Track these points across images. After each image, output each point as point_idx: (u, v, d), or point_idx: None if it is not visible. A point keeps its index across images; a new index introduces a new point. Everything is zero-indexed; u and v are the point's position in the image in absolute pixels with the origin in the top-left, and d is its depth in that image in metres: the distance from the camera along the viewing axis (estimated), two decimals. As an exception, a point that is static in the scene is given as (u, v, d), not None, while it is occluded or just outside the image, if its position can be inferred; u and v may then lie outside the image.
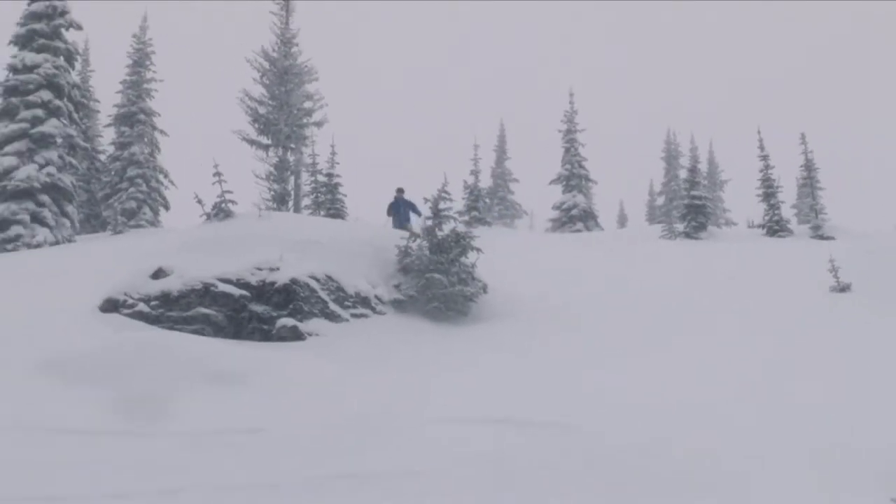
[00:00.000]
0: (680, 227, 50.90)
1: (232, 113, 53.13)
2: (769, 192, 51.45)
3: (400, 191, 30.91)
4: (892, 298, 31.66)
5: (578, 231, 57.73)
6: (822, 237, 47.58)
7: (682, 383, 23.00)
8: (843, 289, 34.01)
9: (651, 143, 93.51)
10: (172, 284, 30.05)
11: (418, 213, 31.94)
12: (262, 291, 30.24)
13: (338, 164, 58.43)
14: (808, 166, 55.25)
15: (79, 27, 52.16)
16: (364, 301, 31.36)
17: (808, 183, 55.08)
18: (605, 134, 68.92)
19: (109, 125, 57.59)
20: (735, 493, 15.20)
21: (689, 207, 51.15)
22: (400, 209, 31.80)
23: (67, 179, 47.79)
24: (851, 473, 15.59)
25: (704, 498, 14.96)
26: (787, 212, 52.46)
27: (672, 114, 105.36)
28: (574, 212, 59.82)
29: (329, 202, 55.05)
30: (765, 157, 53.21)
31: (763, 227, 51.27)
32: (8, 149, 46.47)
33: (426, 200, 33.58)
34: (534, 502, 14.55)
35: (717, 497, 14.97)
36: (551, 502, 14.37)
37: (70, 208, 47.92)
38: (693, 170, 56.10)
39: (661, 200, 72.59)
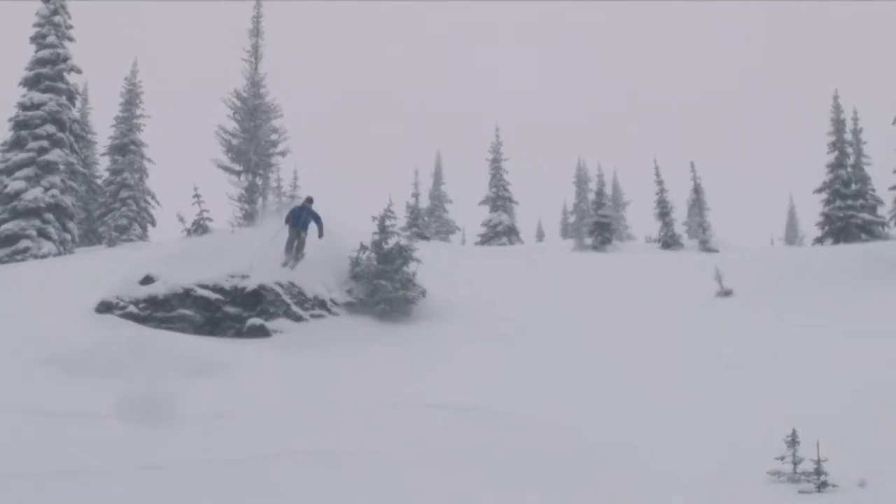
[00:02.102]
0: (589, 240, 51.20)
1: (209, 143, 52.88)
2: (664, 212, 51.86)
3: (309, 200, 29.53)
4: (765, 300, 32.19)
5: (503, 244, 57.93)
6: (708, 250, 47.93)
7: (584, 374, 23.41)
8: (727, 293, 34.18)
9: (564, 167, 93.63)
10: (158, 289, 30.13)
11: (319, 226, 29.86)
12: (235, 295, 30.26)
13: (299, 186, 58.76)
14: (697, 189, 55.92)
15: (79, 71, 52.05)
16: (321, 304, 31.45)
17: (697, 203, 55.58)
18: (524, 159, 69.02)
19: (105, 154, 57.35)
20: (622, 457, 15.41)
21: (597, 224, 51.47)
22: (301, 216, 29.65)
23: (69, 200, 47.64)
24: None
25: (579, 456, 15.56)
26: (679, 228, 53.11)
27: (580, 135, 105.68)
28: (499, 228, 60.19)
29: None
30: (660, 182, 53.71)
31: (659, 241, 51.70)
32: (18, 174, 46.28)
33: (374, 219, 33.63)
34: (460, 473, 14.69)
35: (593, 458, 15.37)
36: (472, 473, 14.50)
37: (71, 225, 47.78)
38: (600, 192, 56.57)
39: (572, 218, 72.98)
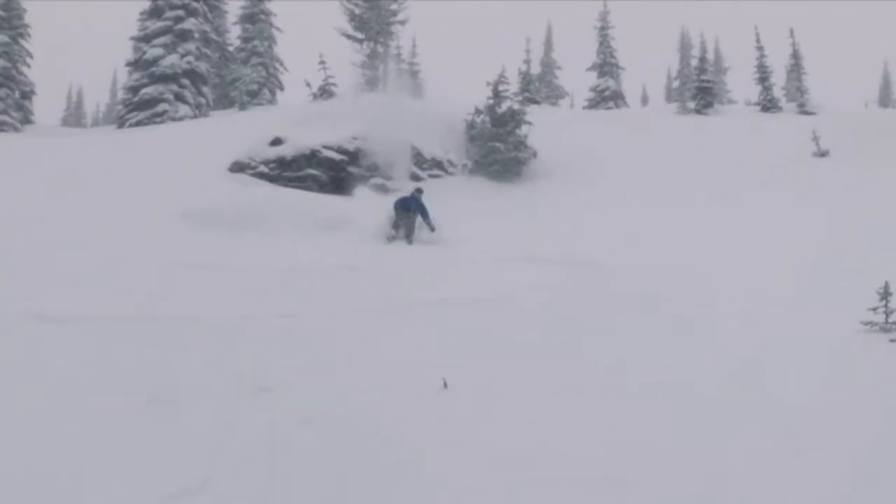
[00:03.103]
0: (691, 104, 50.31)
1: (334, 13, 52.71)
2: (763, 77, 50.60)
3: (419, 190, 25.58)
4: (859, 160, 31.19)
5: (610, 108, 57.06)
6: (806, 112, 46.81)
7: (680, 224, 23.31)
8: (823, 154, 33.37)
9: (668, 34, 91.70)
10: (286, 150, 30.18)
11: (426, 219, 24.42)
12: (357, 156, 30.23)
13: (417, 54, 58.27)
14: (795, 55, 54.34)
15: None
16: (439, 164, 31.40)
17: (795, 68, 54.14)
18: (630, 28, 67.83)
19: (235, 23, 57.02)
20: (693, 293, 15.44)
21: (699, 89, 50.39)
22: (410, 207, 24.53)
23: (203, 66, 47.51)
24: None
25: (670, 293, 15.57)
26: (777, 92, 51.67)
27: (684, 4, 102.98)
28: (606, 93, 59.31)
29: (411, 85, 54.72)
30: (760, 48, 52.23)
31: (758, 104, 50.66)
32: (156, 42, 46.22)
33: (488, 84, 33.42)
34: (574, 312, 14.64)
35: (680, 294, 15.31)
36: (585, 311, 14.49)
37: (205, 90, 47.77)
38: (702, 59, 55.50)
39: (676, 83, 71.57)
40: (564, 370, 11.25)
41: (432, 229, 23.90)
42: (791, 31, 53.85)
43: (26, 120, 44.59)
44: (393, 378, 10.91)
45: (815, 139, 33.99)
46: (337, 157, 30.12)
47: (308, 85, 43.09)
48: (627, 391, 10.54)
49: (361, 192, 28.44)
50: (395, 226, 23.89)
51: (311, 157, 30.07)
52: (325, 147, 30.22)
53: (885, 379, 10.57)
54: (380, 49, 53.56)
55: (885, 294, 12.36)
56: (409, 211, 24.08)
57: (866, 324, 12.37)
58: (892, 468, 8.14)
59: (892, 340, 11.89)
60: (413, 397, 10.12)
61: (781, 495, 7.80)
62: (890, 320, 12.32)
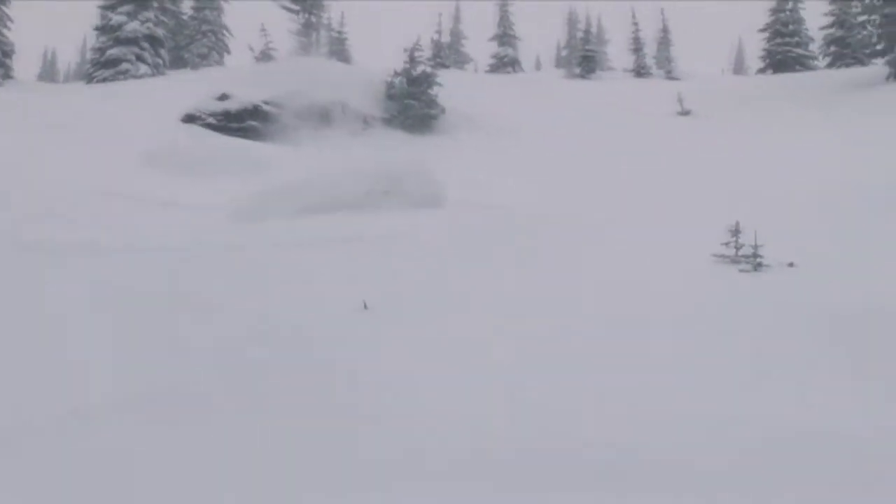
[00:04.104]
0: (577, 70, 51.38)
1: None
2: (637, 48, 52.16)
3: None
4: (718, 117, 32.67)
5: (508, 73, 57.42)
6: (672, 78, 47.99)
7: (570, 172, 23.99)
8: (686, 112, 34.39)
9: (558, 10, 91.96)
10: (232, 105, 30.84)
11: None
12: (294, 110, 30.78)
13: (346, 24, 58.39)
14: (665, 29, 56.95)
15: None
16: (363, 118, 31.85)
17: (664, 41, 56.37)
18: (527, 3, 68.13)
19: (189, -6, 56.33)
20: (587, 229, 15.91)
21: (583, 57, 51.73)
22: None
23: (160, 32, 47.22)
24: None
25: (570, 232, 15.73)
26: (649, 61, 52.85)
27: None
28: (505, 59, 59.77)
29: (339, 51, 56.37)
30: (635, 24, 53.76)
31: (633, 71, 51.66)
32: (120, 10, 45.82)
33: (405, 50, 34.21)
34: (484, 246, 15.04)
35: (579, 233, 15.62)
36: (494, 248, 14.71)
37: (162, 52, 47.52)
38: (587, 31, 57.64)
39: (564, 52, 72.17)
40: (450, 291, 11.79)
41: None
42: (661, 10, 55.55)
43: (7, 76, 44.13)
44: (325, 301, 11.12)
45: (680, 100, 35.04)
46: (275, 111, 30.72)
47: (251, 49, 43.40)
48: (492, 302, 11.32)
49: (294, 141, 28.81)
50: None
51: (253, 111, 30.68)
52: (265, 102, 30.89)
53: (725, 293, 11.23)
54: (313, 19, 53.78)
55: (736, 231, 12.75)
56: None
57: (718, 256, 12.81)
58: (697, 351, 9.07)
59: (740, 270, 12.35)
60: (342, 316, 10.40)
61: (621, 355, 8.88)
62: (739, 254, 12.68)
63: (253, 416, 7.29)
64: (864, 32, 40.69)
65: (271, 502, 5.70)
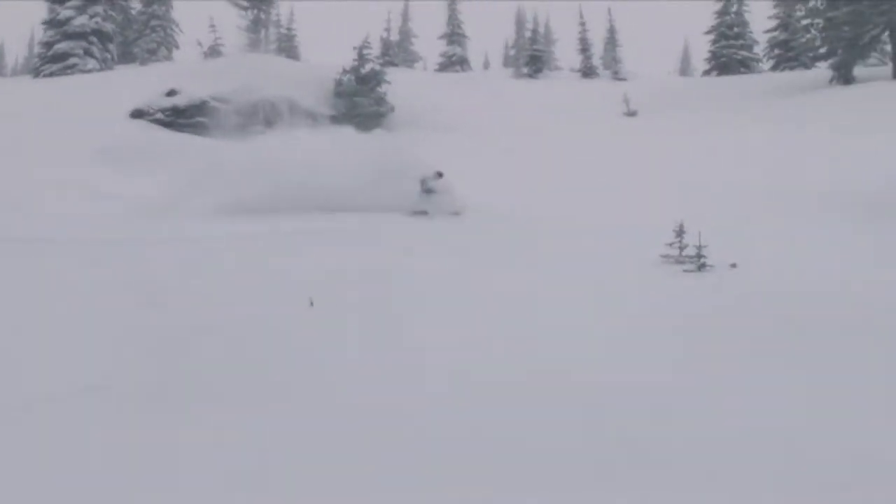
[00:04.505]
0: (525, 69, 51.46)
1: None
2: (584, 48, 52.37)
3: (439, 175, 20.49)
4: (663, 118, 32.71)
5: (457, 71, 57.44)
6: (619, 79, 48.15)
7: (515, 165, 24.51)
8: (632, 113, 34.58)
9: (507, 10, 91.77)
10: (180, 100, 30.64)
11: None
12: (242, 106, 30.60)
13: (295, 21, 58.16)
14: (611, 30, 56.88)
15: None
16: (311, 115, 31.52)
17: (611, 41, 56.50)
18: (475, 2, 68.28)
19: (139, -11, 55.79)
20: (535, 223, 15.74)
21: (531, 57, 51.91)
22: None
23: (109, 26, 46.67)
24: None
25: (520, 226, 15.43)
26: (596, 61, 53.14)
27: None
28: (454, 58, 59.78)
29: (288, 48, 56.27)
30: (582, 24, 53.88)
31: (580, 71, 51.80)
32: (68, 4, 45.27)
33: (354, 48, 33.99)
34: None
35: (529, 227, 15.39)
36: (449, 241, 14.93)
37: (111, 46, 47.00)
38: (534, 31, 57.46)
39: (512, 52, 72.24)
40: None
41: None
42: (609, 10, 56.02)
43: (-47, 69, 43.52)
44: (272, 296, 10.94)
45: (626, 101, 35.17)
46: (223, 107, 30.45)
47: (200, 45, 42.93)
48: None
49: (240, 137, 28.58)
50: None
51: (201, 107, 30.41)
52: (213, 98, 30.66)
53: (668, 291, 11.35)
54: (262, 16, 53.62)
55: (680, 232, 12.77)
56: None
57: (664, 256, 12.84)
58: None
59: (684, 270, 12.40)
60: (288, 312, 10.13)
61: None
62: (683, 254, 12.70)
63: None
64: (808, 36, 41.12)
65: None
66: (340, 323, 9.86)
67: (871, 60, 40.63)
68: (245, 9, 52.70)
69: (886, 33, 36.42)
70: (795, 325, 9.48)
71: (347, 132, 23.43)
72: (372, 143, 22.28)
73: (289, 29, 58.79)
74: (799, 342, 8.93)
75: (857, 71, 36.97)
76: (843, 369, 8.13)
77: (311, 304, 10.33)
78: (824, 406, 7.15)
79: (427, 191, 18.46)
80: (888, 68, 37.22)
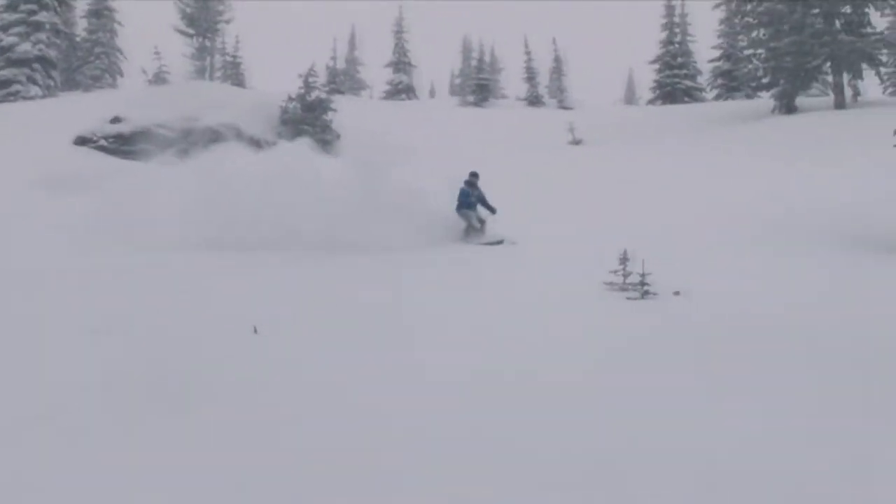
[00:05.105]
0: (471, 98, 51.74)
1: (169, 11, 52.10)
2: (530, 77, 53.25)
3: (475, 175, 20.61)
4: (608, 147, 33.18)
5: (403, 99, 57.61)
6: (564, 108, 48.64)
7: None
8: (578, 142, 34.92)
9: (453, 39, 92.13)
10: (124, 128, 30.41)
11: (487, 205, 20.10)
12: (187, 134, 30.16)
13: (240, 49, 58.16)
14: (557, 60, 57.56)
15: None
16: (256, 142, 31.26)
17: (556, 70, 57.07)
18: (421, 31, 68.68)
19: (83, 17, 55.46)
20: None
21: (477, 85, 52.41)
22: (471, 196, 20.01)
23: (52, 53, 46.39)
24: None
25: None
26: (542, 90, 53.62)
27: (467, 11, 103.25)
28: (400, 86, 60.00)
29: (234, 76, 56.45)
30: (528, 53, 54.99)
31: (525, 100, 52.30)
32: (12, 31, 45.00)
33: (300, 76, 33.83)
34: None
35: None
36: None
37: (54, 73, 46.70)
38: (480, 60, 58.44)
39: (458, 80, 72.62)
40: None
41: (493, 212, 20.08)
42: (554, 40, 57.13)
43: None
44: (214, 321, 10.63)
45: (572, 130, 35.29)
46: (169, 134, 30.02)
47: (144, 72, 42.69)
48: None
49: (190, 165, 28.28)
50: (469, 229, 19.84)
51: (146, 134, 29.99)
52: (157, 125, 30.38)
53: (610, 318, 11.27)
54: (207, 43, 53.64)
55: (624, 259, 12.70)
56: (471, 208, 19.98)
57: (607, 284, 12.80)
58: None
59: (628, 298, 12.34)
60: (229, 338, 9.83)
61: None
62: (627, 281, 12.67)
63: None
64: (751, 66, 41.74)
65: None
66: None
67: (813, 91, 41.40)
68: (190, 36, 52.70)
69: (828, 64, 37.10)
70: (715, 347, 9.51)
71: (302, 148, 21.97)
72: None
73: (234, 56, 58.76)
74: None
75: (800, 101, 37.60)
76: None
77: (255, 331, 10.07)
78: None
79: None
80: (830, 99, 37.85)
